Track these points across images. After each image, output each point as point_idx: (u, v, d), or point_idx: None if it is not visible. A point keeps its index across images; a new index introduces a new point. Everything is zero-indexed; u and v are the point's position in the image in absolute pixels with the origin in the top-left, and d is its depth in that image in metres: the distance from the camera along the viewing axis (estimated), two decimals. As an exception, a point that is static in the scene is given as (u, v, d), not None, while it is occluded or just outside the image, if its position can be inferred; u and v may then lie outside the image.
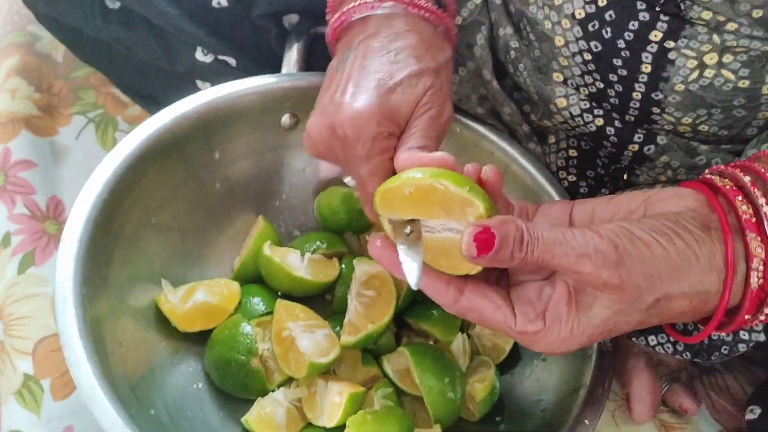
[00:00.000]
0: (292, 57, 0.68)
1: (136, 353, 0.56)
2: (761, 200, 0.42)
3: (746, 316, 0.42)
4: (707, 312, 0.43)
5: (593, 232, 0.40)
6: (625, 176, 0.64)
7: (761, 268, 0.41)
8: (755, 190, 0.43)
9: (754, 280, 0.41)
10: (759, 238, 0.42)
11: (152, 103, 0.78)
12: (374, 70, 0.50)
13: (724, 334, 0.53)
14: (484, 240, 0.38)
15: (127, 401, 0.49)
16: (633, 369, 0.64)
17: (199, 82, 0.72)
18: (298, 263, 0.63)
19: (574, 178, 0.66)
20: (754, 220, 0.42)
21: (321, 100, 0.52)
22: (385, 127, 0.49)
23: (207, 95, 0.62)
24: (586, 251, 0.39)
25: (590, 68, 0.57)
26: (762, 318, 0.43)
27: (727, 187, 0.44)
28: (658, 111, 0.56)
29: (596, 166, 0.66)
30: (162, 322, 0.59)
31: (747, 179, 0.43)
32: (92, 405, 0.46)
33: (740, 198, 0.43)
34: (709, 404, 0.67)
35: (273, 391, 0.58)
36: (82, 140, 0.79)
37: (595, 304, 0.41)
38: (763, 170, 0.44)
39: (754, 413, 0.61)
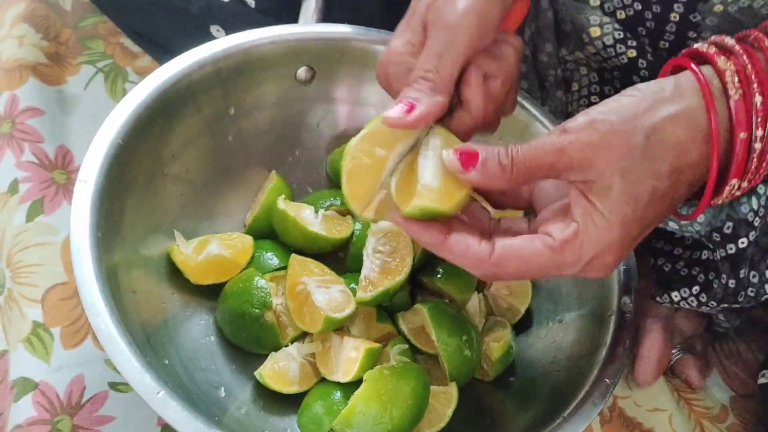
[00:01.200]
0: (310, 7, 0.66)
1: (150, 303, 0.55)
2: (727, 39, 0.43)
3: (741, 134, 0.41)
4: (704, 136, 0.41)
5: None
6: None
7: (736, 80, 0.41)
8: (723, 38, 0.44)
9: (733, 90, 0.41)
10: (724, 57, 0.42)
11: (162, 52, 0.77)
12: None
13: (751, 274, 0.52)
14: (467, 155, 0.41)
15: (143, 349, 0.48)
16: (647, 330, 0.64)
17: (213, 29, 0.70)
18: (313, 218, 0.62)
19: None
20: (715, 50, 0.43)
21: None
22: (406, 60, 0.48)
23: (222, 43, 0.61)
24: (563, 128, 0.41)
25: None
26: (760, 134, 0.41)
27: (694, 45, 0.45)
28: (694, 36, 0.55)
29: None
30: (174, 273, 0.58)
31: (713, 37, 0.45)
32: (111, 350, 0.45)
33: (700, 43, 0.44)
34: (721, 370, 0.67)
35: (286, 347, 0.58)
36: (91, 90, 0.77)
37: (605, 183, 0.40)
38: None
39: (766, 378, 0.61)
